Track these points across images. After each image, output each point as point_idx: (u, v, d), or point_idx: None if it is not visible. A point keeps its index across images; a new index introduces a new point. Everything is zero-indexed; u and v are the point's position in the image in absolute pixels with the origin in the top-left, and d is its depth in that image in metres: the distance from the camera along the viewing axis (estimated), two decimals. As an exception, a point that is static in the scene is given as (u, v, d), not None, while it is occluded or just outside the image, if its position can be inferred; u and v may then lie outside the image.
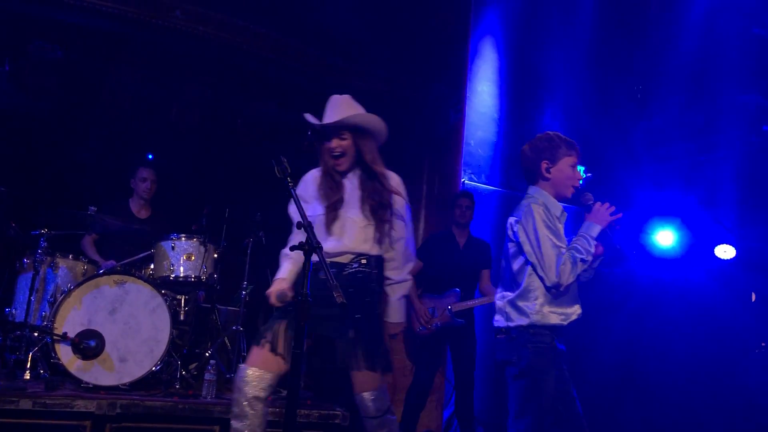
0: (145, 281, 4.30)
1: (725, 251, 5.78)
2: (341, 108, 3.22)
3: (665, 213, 6.17)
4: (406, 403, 5.07)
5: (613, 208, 2.95)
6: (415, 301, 5.14)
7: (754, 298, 5.82)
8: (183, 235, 4.61)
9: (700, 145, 6.53)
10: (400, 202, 3.16)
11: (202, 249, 4.60)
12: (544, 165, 3.05)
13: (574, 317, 2.92)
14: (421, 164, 6.15)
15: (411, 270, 3.16)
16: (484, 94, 6.81)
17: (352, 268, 2.99)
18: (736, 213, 6.09)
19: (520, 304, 2.91)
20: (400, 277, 3.12)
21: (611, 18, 7.54)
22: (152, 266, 4.63)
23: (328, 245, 2.93)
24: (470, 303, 5.07)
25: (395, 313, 3.16)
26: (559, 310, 2.89)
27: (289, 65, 5.12)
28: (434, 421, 5.71)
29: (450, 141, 6.17)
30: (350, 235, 2.99)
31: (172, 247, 4.55)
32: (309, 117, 3.13)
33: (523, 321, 2.88)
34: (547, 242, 2.85)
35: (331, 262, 2.86)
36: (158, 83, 5.24)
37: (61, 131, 5.42)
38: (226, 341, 4.89)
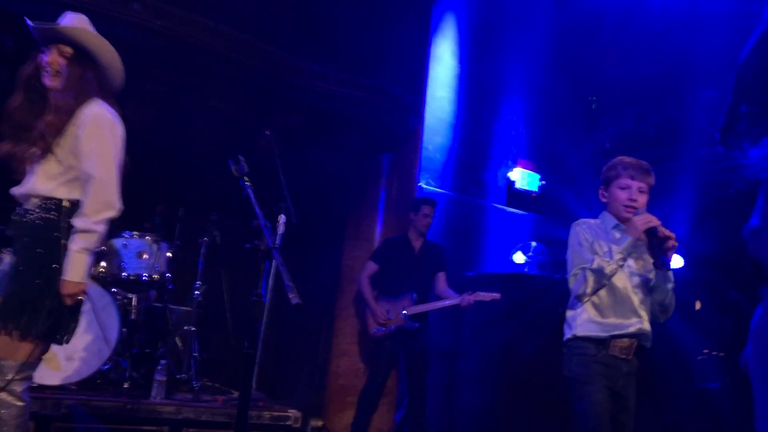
0: (95, 279, 4.21)
1: (673, 261, 5.94)
2: (73, 21, 2.85)
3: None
4: (359, 406, 5.08)
5: (647, 216, 2.90)
6: (372, 303, 5.16)
7: (698, 306, 6.00)
8: (135, 233, 4.53)
9: (650, 156, 6.70)
10: (92, 136, 2.75)
11: (155, 247, 4.54)
12: (600, 191, 3.15)
13: (618, 332, 2.90)
14: (379, 168, 6.17)
15: (102, 220, 2.72)
16: (443, 100, 6.88)
17: (32, 215, 2.64)
18: (687, 223, 6.27)
19: (568, 316, 3.04)
20: (81, 223, 2.63)
21: (568, 28, 7.70)
22: (103, 264, 4.54)
23: (16, 190, 2.68)
24: (425, 306, 5.11)
25: (69, 269, 2.58)
26: (602, 321, 2.92)
27: (250, 65, 5.07)
28: (386, 423, 5.73)
29: (409, 145, 6.20)
30: (36, 174, 2.67)
31: (124, 245, 4.47)
32: (28, 21, 2.78)
33: (569, 333, 3.00)
34: (574, 257, 2.99)
35: (19, 211, 2.65)
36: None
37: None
38: (178, 341, 4.83)
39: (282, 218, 4.62)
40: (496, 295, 4.96)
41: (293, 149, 5.67)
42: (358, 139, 5.96)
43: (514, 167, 7.40)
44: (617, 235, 3.00)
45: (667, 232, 2.84)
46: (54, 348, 3.94)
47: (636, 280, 2.97)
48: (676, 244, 2.84)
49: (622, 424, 2.91)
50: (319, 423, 5.66)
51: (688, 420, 5.45)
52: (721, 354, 6.59)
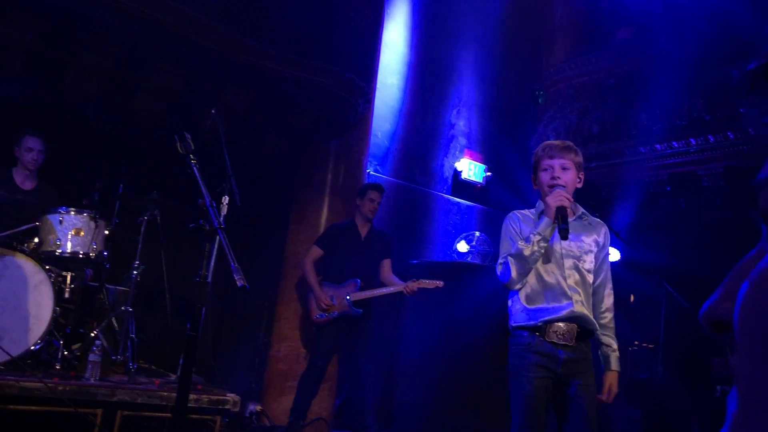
0: (27, 255, 4.05)
1: (610, 254, 6.10)
2: None
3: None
4: (299, 390, 5.06)
5: (558, 194, 2.80)
6: (316, 288, 5.13)
7: (632, 299, 6.18)
8: (72, 209, 4.37)
9: (592, 152, 6.86)
10: None
11: (93, 225, 4.38)
12: (532, 181, 3.07)
13: (548, 317, 2.79)
14: (327, 153, 6.13)
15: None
16: (393, 86, 6.87)
17: None
18: (626, 218, 6.46)
19: (508, 307, 2.98)
20: None
21: (518, 20, 7.80)
22: (36, 240, 4.36)
23: None
24: (369, 293, 5.11)
25: None
26: (530, 308, 2.85)
27: (199, 43, 4.94)
28: (326, 409, 5.73)
29: (358, 131, 6.18)
30: None
31: (60, 221, 4.30)
32: None
33: (509, 324, 2.97)
34: (502, 248, 2.98)
35: None
36: (52, 46, 4.92)
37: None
38: (114, 322, 4.69)
39: (225, 199, 4.55)
40: (439, 283, 5.01)
41: (239, 130, 5.57)
42: (306, 122, 5.90)
43: (461, 158, 7.46)
44: (525, 227, 2.96)
45: (564, 194, 2.80)
46: (-19, 326, 3.80)
47: (569, 262, 2.87)
48: (566, 201, 2.78)
49: (576, 414, 2.76)
50: (258, 407, 5.61)
51: (619, 408, 5.60)
52: (651, 346, 6.83)
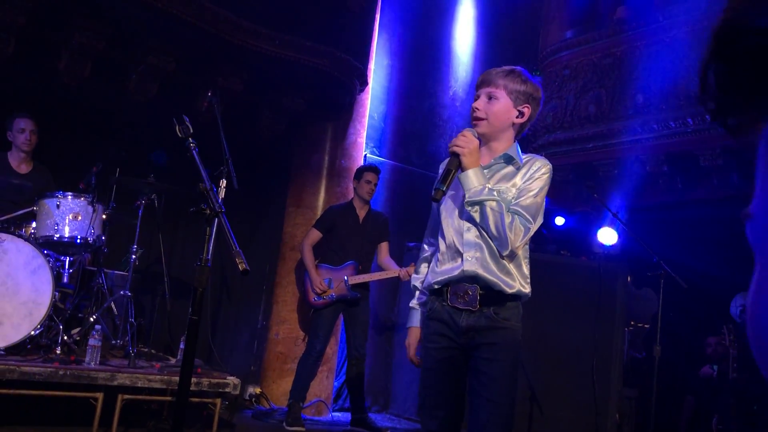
0: (26, 240, 4.03)
1: (608, 236, 6.11)
2: None
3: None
4: (298, 373, 5.08)
5: (455, 139, 2.34)
6: (312, 271, 5.13)
7: (629, 279, 6.20)
8: (70, 193, 4.35)
9: (589, 132, 6.85)
10: None
11: (90, 209, 4.36)
12: None
13: (442, 278, 2.38)
14: (324, 135, 6.11)
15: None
16: (390, 68, 6.83)
17: None
18: (623, 199, 6.47)
19: None
20: None
21: (514, 2, 7.74)
22: (34, 224, 4.35)
23: None
24: (366, 277, 5.12)
25: None
26: (435, 269, 2.45)
27: (192, 23, 4.89)
28: (324, 390, 5.76)
29: (354, 113, 6.15)
30: None
31: (57, 206, 4.28)
32: None
33: None
34: None
35: None
36: (46, 27, 4.87)
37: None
38: (113, 306, 4.69)
39: (223, 182, 4.53)
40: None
41: (234, 112, 5.54)
42: (301, 104, 5.86)
43: (458, 139, 7.43)
44: None
45: (455, 140, 2.32)
46: (-19, 311, 3.80)
47: (468, 215, 2.36)
48: (456, 148, 2.29)
49: (476, 393, 2.31)
50: (258, 390, 5.64)
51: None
52: (647, 326, 6.88)
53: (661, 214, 6.80)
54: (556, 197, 6.97)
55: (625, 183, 6.54)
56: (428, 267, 2.55)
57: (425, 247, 2.62)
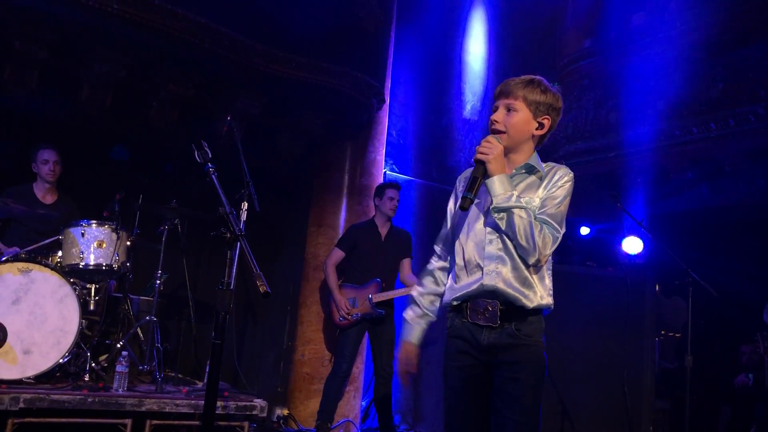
0: (52, 269, 4.08)
1: (633, 245, 6.03)
2: None
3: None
4: (325, 393, 5.05)
5: (479, 146, 2.29)
6: (336, 293, 5.12)
7: (658, 288, 6.11)
8: (94, 221, 4.40)
9: (612, 141, 6.79)
10: None
11: (114, 236, 4.41)
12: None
13: (461, 293, 2.33)
14: (343, 154, 6.12)
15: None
16: (406, 84, 6.84)
17: None
18: (645, 207, 6.39)
19: None
20: None
21: (529, 13, 7.74)
22: (60, 254, 4.40)
23: None
24: (391, 293, 5.10)
25: None
26: (453, 285, 2.39)
27: (209, 49, 4.97)
28: (352, 410, 5.73)
29: (373, 131, 6.17)
30: None
31: (82, 234, 4.33)
32: None
33: None
34: None
35: None
36: (67, 60, 4.96)
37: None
38: (139, 332, 4.72)
39: (244, 205, 4.55)
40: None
41: (254, 135, 5.58)
42: (319, 124, 5.90)
43: (477, 153, 7.40)
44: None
45: (479, 147, 2.26)
46: (11, 341, 3.84)
47: (492, 223, 2.29)
48: (480, 155, 2.24)
49: (500, 413, 2.24)
50: (285, 411, 5.63)
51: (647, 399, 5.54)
52: (678, 335, 6.76)
53: (687, 222, 6.70)
54: (580, 208, 6.91)
55: (649, 191, 6.46)
56: (433, 281, 2.51)
57: (434, 258, 2.56)
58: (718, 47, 5.94)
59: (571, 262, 6.01)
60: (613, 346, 5.11)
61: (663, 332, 6.97)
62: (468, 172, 2.38)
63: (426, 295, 2.52)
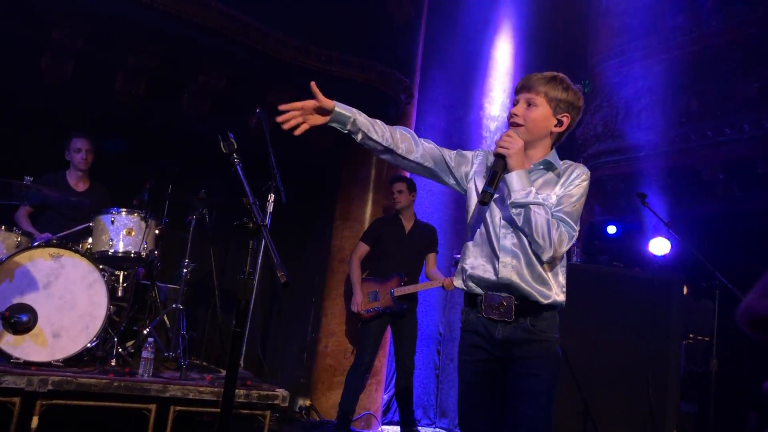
0: (82, 255, 4.17)
1: (660, 246, 5.95)
2: None
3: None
4: (347, 385, 5.09)
5: (500, 140, 2.30)
6: (356, 288, 5.15)
7: (686, 291, 6.03)
8: (124, 209, 4.48)
9: (642, 141, 6.71)
10: None
11: (143, 224, 4.49)
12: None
13: (477, 277, 2.32)
14: (370, 148, 6.13)
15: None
16: (435, 80, 6.83)
17: None
18: (673, 208, 6.30)
19: None
20: None
21: (561, 9, 7.66)
22: (90, 240, 4.49)
23: None
24: (413, 287, 5.11)
25: None
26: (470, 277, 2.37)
27: (243, 42, 5.02)
28: (374, 403, 5.76)
29: (400, 125, 6.16)
30: None
31: (112, 222, 4.42)
32: None
33: None
34: None
35: None
36: (102, 50, 5.06)
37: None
38: (166, 319, 4.80)
39: (271, 197, 4.60)
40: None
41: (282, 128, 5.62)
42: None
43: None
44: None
45: (499, 141, 2.27)
46: (41, 324, 3.93)
47: (507, 216, 2.29)
48: (501, 150, 2.25)
49: (514, 408, 2.24)
50: (307, 402, 5.68)
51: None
52: (706, 339, 6.66)
53: (717, 223, 6.59)
54: (607, 207, 6.84)
55: (679, 192, 6.36)
56: (395, 132, 2.55)
57: (425, 140, 2.58)
58: (753, 48, 5.83)
59: (599, 261, 5.96)
60: (638, 347, 5.05)
61: (692, 336, 6.88)
62: (484, 153, 2.45)
63: (381, 125, 2.57)
